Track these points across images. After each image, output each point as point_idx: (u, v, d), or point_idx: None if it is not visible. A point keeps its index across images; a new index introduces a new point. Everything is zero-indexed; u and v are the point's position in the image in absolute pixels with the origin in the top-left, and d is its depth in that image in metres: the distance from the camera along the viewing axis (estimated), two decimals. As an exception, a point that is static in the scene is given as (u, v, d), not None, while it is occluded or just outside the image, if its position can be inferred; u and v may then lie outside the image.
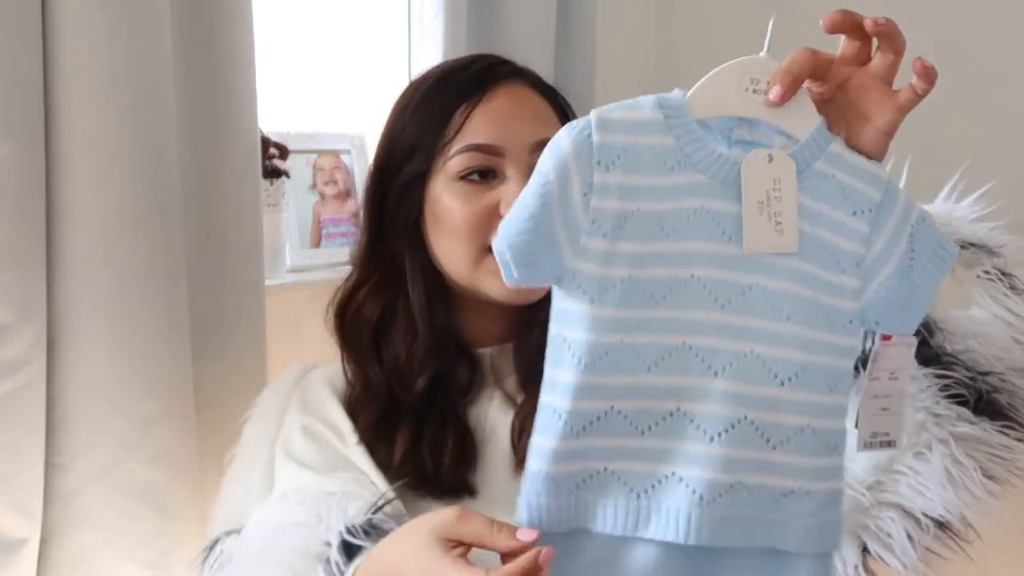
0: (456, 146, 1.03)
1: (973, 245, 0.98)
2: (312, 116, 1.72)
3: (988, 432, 0.95)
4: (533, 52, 1.69)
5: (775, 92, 0.77)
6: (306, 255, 1.67)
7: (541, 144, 1.01)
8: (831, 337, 0.79)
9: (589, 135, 0.77)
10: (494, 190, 1.02)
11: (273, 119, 1.53)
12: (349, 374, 1.10)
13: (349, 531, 0.92)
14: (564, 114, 1.10)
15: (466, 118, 1.03)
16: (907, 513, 0.96)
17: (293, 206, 1.66)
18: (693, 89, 0.80)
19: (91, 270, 1.15)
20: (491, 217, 1.01)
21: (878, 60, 0.79)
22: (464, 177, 1.03)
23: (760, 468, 0.79)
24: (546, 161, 0.78)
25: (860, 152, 0.80)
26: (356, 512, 0.94)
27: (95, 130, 1.14)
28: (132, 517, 1.19)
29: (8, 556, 1.11)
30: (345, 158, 1.75)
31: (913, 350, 0.87)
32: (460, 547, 0.80)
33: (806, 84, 0.80)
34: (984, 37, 1.94)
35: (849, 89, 0.80)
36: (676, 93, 0.79)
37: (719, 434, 0.78)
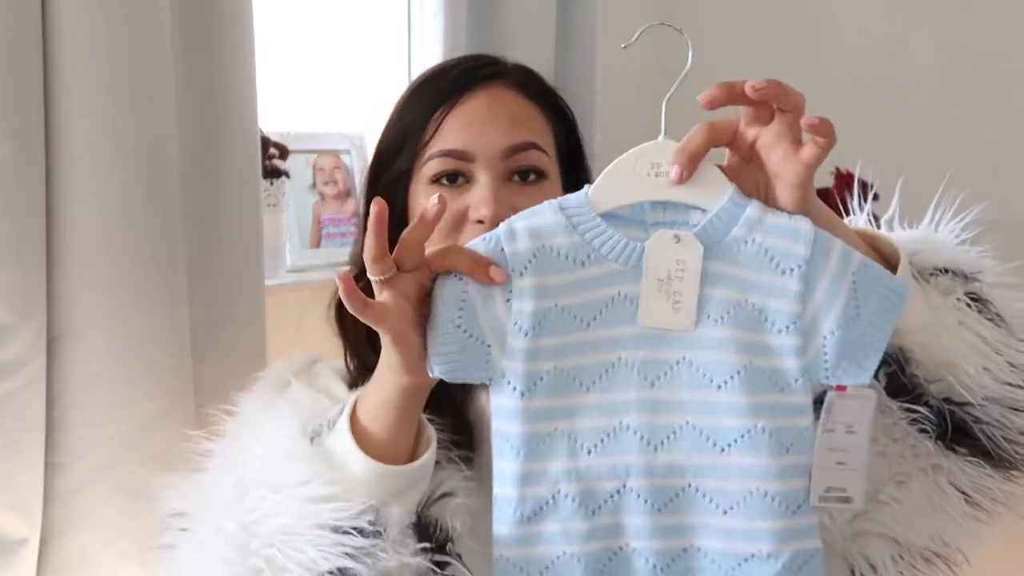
0: (430, 150, 1.03)
1: (949, 272, 0.96)
2: (312, 116, 1.72)
3: (966, 462, 0.94)
4: (533, 52, 1.69)
5: (674, 172, 0.80)
6: (306, 255, 1.67)
7: (514, 149, 1.02)
8: (778, 398, 0.80)
9: (501, 248, 0.82)
10: (464, 195, 1.02)
11: (273, 119, 1.53)
12: (351, 367, 1.10)
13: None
14: (560, 114, 1.09)
15: (440, 123, 1.03)
16: (892, 540, 0.96)
17: (293, 206, 1.67)
18: (593, 185, 0.83)
19: (91, 270, 1.15)
20: (460, 222, 1.01)
21: (777, 120, 0.79)
22: (436, 181, 1.03)
23: (716, 533, 0.81)
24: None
25: (781, 210, 0.81)
26: None
27: (95, 130, 1.14)
28: (132, 517, 1.19)
29: (8, 556, 1.11)
30: (345, 158, 1.75)
31: (872, 404, 0.86)
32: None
33: (729, 153, 0.81)
34: (984, 37, 1.94)
35: (760, 149, 0.81)
36: (579, 193, 0.83)
37: (665, 504, 0.81)
